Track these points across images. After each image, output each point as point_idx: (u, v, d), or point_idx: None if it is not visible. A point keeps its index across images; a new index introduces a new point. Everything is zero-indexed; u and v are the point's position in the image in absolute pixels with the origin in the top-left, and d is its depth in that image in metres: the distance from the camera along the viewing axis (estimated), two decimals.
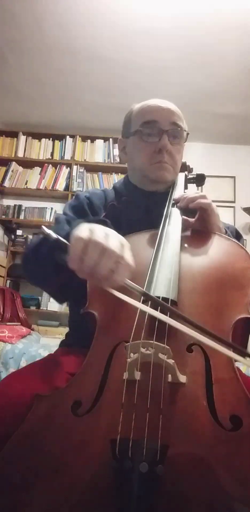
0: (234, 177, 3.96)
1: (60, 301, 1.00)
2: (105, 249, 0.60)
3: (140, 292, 0.63)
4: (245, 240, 1.03)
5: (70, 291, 0.87)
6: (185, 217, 0.92)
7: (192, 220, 0.93)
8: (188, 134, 1.06)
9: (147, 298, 0.65)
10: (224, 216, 1.05)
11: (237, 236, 1.06)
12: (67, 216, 1.00)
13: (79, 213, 1.01)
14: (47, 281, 0.89)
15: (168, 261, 0.76)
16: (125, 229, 0.93)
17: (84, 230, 0.63)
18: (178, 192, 1.02)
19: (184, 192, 1.05)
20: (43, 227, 0.69)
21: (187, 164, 1.16)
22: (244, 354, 0.56)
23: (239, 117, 3.56)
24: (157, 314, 0.61)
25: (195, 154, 3.69)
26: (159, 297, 0.66)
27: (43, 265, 0.83)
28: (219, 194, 3.87)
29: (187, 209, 0.92)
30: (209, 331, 0.56)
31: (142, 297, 0.66)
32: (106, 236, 0.62)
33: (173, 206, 0.95)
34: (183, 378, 0.57)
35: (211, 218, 0.90)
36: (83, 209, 1.02)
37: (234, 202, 3.90)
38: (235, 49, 2.77)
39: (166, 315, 0.60)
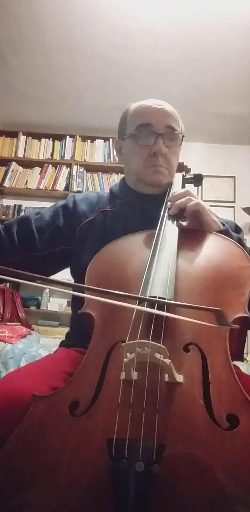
0: (234, 177, 3.95)
1: None
2: None
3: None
4: (245, 240, 1.02)
5: None
6: (180, 222, 0.93)
7: (185, 223, 0.93)
8: (183, 136, 1.05)
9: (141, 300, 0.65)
10: (224, 216, 1.05)
11: (237, 229, 1.05)
12: (38, 212, 1.07)
13: (54, 216, 1.06)
14: None
15: (164, 261, 0.76)
16: (119, 232, 0.93)
17: None
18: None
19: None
20: None
21: (185, 164, 1.15)
22: None
23: (239, 117, 3.56)
24: (153, 311, 0.62)
25: (195, 154, 3.70)
26: (155, 297, 0.66)
27: None
28: (219, 194, 3.88)
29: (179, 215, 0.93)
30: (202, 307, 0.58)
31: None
32: None
33: (166, 212, 0.95)
34: (179, 378, 0.58)
35: (203, 216, 0.90)
36: (57, 213, 1.06)
37: (234, 202, 3.90)
38: (235, 49, 2.77)
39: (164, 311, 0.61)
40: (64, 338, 1.07)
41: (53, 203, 1.07)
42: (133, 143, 1.01)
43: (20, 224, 1.03)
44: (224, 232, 0.92)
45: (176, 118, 1.03)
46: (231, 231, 0.96)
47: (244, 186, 3.89)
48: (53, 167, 3.89)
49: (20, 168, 3.93)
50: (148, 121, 0.99)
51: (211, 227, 0.91)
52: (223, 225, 0.94)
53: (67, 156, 3.90)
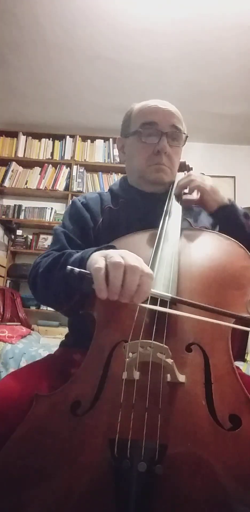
0: (234, 177, 3.95)
1: (67, 315, 0.99)
2: (127, 267, 0.61)
3: (168, 298, 0.65)
4: None
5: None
6: (187, 196, 0.98)
7: (192, 198, 0.97)
8: (187, 137, 1.05)
9: (175, 302, 0.66)
10: None
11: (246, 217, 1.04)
12: (65, 229, 0.98)
13: (77, 222, 1.00)
14: (58, 304, 0.87)
15: (167, 261, 0.76)
16: (123, 231, 0.92)
17: (100, 258, 0.65)
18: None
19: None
20: (68, 266, 0.66)
21: (187, 163, 1.15)
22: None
23: (239, 117, 3.56)
24: (167, 310, 0.63)
25: (195, 154, 3.69)
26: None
27: (55, 290, 0.81)
28: None
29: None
30: (212, 308, 0.59)
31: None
32: (123, 256, 0.63)
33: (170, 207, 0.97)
34: (182, 378, 0.57)
35: (204, 195, 0.96)
36: (81, 216, 1.00)
37: None
38: (235, 49, 2.77)
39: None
40: (64, 338, 1.06)
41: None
42: (137, 140, 1.02)
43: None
44: (230, 207, 0.95)
45: (180, 118, 1.03)
46: (237, 206, 0.98)
47: (244, 186, 3.89)
48: (53, 167, 3.89)
49: (20, 168, 3.92)
50: (153, 119, 1.00)
51: (211, 206, 0.96)
52: (229, 201, 0.97)
53: (67, 156, 3.90)
